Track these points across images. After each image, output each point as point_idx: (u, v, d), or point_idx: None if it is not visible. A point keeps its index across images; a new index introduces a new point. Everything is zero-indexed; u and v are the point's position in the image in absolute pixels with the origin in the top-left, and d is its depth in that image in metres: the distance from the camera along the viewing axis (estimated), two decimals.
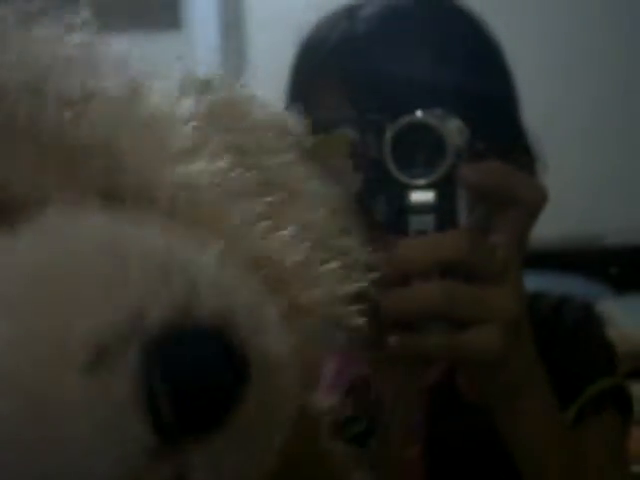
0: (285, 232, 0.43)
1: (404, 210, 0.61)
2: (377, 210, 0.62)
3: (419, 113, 0.62)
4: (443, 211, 0.61)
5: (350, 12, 0.91)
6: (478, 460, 0.94)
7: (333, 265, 0.44)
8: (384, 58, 0.85)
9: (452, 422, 0.93)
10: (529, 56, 4.12)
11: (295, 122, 0.58)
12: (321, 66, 0.89)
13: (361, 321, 0.47)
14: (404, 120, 0.60)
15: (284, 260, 0.42)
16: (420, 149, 0.60)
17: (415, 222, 0.61)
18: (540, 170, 0.95)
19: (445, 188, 0.60)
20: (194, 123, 0.49)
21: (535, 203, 0.65)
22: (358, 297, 0.53)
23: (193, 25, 4.26)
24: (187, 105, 0.51)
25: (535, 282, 1.07)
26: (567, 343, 0.96)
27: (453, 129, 0.63)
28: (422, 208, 0.60)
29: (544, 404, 0.70)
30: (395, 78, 0.82)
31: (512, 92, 0.94)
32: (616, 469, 0.94)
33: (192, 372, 0.32)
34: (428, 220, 0.60)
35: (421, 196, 0.60)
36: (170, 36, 4.44)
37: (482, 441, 0.92)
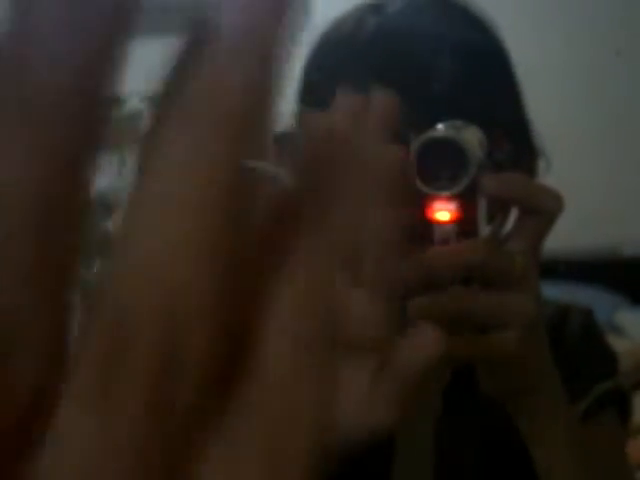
0: None
1: (428, 220, 0.62)
2: (401, 218, 0.64)
3: (441, 127, 0.64)
4: (465, 221, 0.62)
5: (376, 9, 0.90)
6: (491, 457, 0.95)
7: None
8: (417, 54, 0.86)
9: (462, 419, 0.94)
10: (548, 63, 4.13)
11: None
12: (354, 60, 0.88)
13: None
14: (427, 135, 0.62)
15: None
16: (443, 163, 0.61)
17: (438, 232, 0.62)
18: (543, 168, 0.96)
19: (467, 199, 0.62)
20: None
21: (552, 211, 0.67)
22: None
23: None
24: None
25: (553, 292, 1.08)
26: (572, 348, 0.98)
27: (474, 141, 0.65)
28: (445, 219, 0.62)
29: (557, 401, 0.72)
30: (427, 73, 0.84)
31: (517, 92, 0.95)
32: (621, 466, 0.96)
33: None
34: (451, 230, 0.62)
35: (444, 207, 0.62)
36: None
37: (496, 437, 0.94)
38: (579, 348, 1.00)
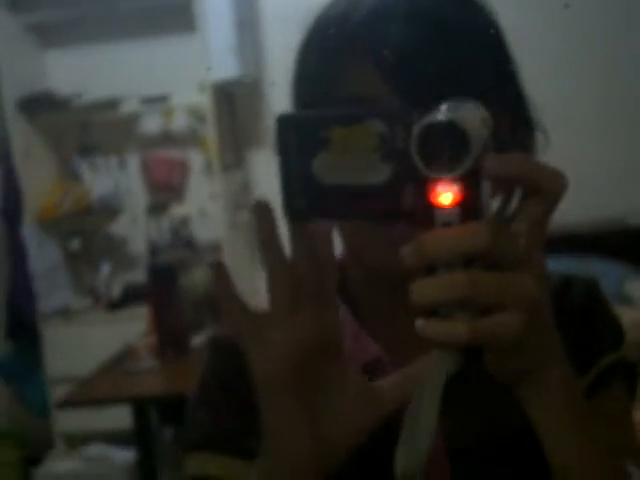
0: None
1: (429, 203, 0.62)
2: (405, 200, 0.64)
3: (444, 107, 0.64)
4: (467, 203, 0.62)
5: None
6: (499, 437, 0.96)
7: None
8: (413, 35, 0.86)
9: (468, 387, 0.95)
10: (553, 47, 4.13)
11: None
12: (350, 41, 0.88)
13: None
14: (430, 118, 0.61)
15: None
16: (445, 145, 0.61)
17: (440, 215, 0.62)
18: (541, 141, 0.96)
19: (470, 181, 0.62)
20: None
21: (556, 191, 0.67)
22: None
23: (208, 26, 4.28)
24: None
25: (561, 265, 1.08)
26: (576, 319, 0.98)
27: (478, 122, 0.64)
28: (447, 202, 0.62)
29: (566, 382, 0.72)
30: (422, 53, 0.84)
31: (510, 63, 0.95)
32: (629, 438, 0.96)
33: None
34: (453, 213, 0.62)
35: (446, 190, 0.62)
36: (186, 38, 4.48)
37: (503, 420, 0.94)
38: (583, 319, 1.00)
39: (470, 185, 0.62)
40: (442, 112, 0.63)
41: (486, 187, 0.64)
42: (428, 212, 0.63)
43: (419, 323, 0.63)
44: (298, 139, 0.67)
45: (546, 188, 0.66)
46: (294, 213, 0.68)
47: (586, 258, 3.69)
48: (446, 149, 0.61)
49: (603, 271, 3.50)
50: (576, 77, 4.32)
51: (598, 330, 1.01)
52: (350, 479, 0.97)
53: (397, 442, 0.72)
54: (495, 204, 0.69)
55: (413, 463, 0.72)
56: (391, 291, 0.75)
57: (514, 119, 0.93)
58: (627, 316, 1.05)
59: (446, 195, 0.62)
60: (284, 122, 0.67)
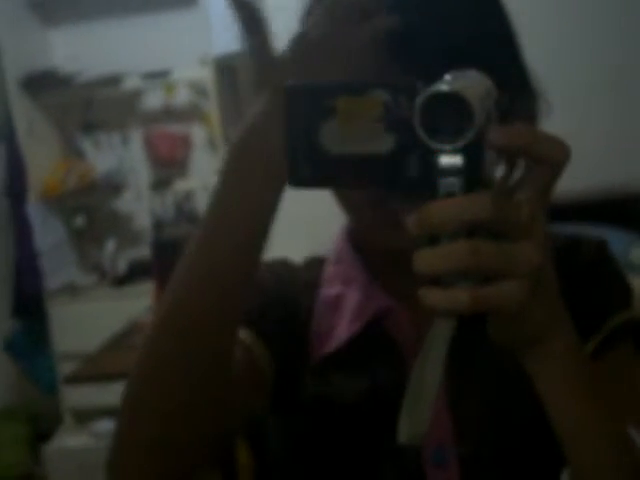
0: None
1: (433, 173, 0.63)
2: (408, 170, 0.64)
3: (448, 77, 0.64)
4: (470, 173, 0.62)
5: None
6: (502, 403, 0.97)
7: None
8: (414, 10, 0.86)
9: (473, 355, 0.96)
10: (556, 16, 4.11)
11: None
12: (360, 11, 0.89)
13: None
14: (433, 88, 0.61)
15: None
16: (448, 116, 0.61)
17: (444, 184, 0.62)
18: (544, 110, 0.96)
19: (472, 151, 0.62)
20: None
21: (559, 161, 0.67)
22: None
23: (209, 0, 4.26)
24: None
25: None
26: (583, 280, 0.99)
27: (481, 93, 0.65)
28: (450, 171, 0.62)
29: (570, 349, 0.72)
30: (426, 23, 0.85)
31: (511, 33, 0.95)
32: (636, 397, 0.96)
33: None
34: (456, 182, 0.62)
35: (449, 160, 0.62)
36: (187, 13, 4.46)
37: (502, 375, 0.95)
38: (592, 279, 1.01)
39: (473, 156, 0.62)
40: (446, 82, 0.63)
41: (490, 157, 0.64)
42: (431, 182, 0.63)
43: (422, 292, 0.64)
44: (304, 108, 0.67)
45: (549, 158, 0.67)
46: (299, 181, 0.69)
47: (591, 226, 3.68)
48: (449, 120, 0.61)
49: (609, 239, 3.48)
50: (579, 43, 4.30)
51: (607, 289, 1.02)
52: (354, 448, 0.99)
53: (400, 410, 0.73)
54: (499, 174, 0.69)
55: (415, 431, 0.72)
56: (404, 259, 0.76)
57: (517, 89, 0.93)
58: (634, 283, 1.05)
59: (449, 165, 0.62)
60: (290, 91, 0.68)
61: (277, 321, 1.00)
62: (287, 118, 0.68)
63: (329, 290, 1.05)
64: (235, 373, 0.86)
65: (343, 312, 1.02)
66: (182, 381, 0.82)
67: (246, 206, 0.81)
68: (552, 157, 0.67)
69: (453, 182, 0.63)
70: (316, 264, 1.11)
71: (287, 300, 1.05)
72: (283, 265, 1.12)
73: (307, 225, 3.42)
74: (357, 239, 1.06)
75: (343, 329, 1.01)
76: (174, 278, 0.84)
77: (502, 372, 0.94)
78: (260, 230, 0.81)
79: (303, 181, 0.69)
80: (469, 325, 0.66)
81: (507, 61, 0.94)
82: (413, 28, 0.85)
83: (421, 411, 0.72)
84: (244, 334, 0.96)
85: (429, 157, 0.63)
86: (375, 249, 1.01)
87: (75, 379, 3.17)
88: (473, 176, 0.63)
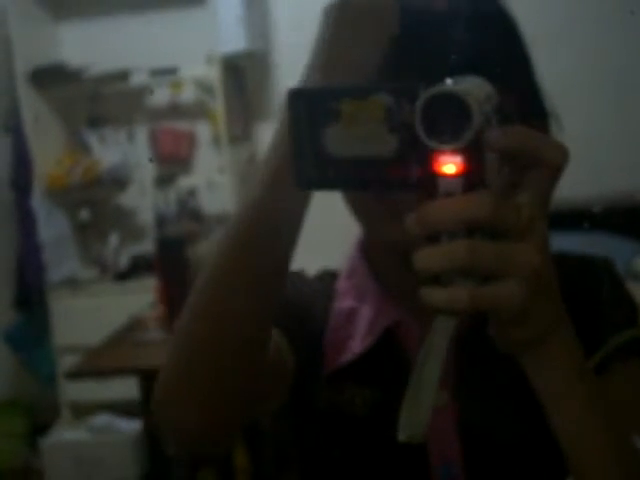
0: None
1: (433, 173, 0.63)
2: (411, 171, 0.65)
3: (449, 82, 0.65)
4: (470, 174, 0.63)
5: None
6: (506, 406, 0.97)
7: None
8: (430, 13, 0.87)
9: (480, 369, 0.97)
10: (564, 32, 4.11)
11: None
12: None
13: None
14: (433, 90, 0.62)
15: None
16: (448, 117, 0.62)
17: (443, 185, 0.63)
18: (555, 128, 0.97)
19: (472, 153, 0.62)
20: None
21: (558, 163, 0.68)
22: None
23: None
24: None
25: (569, 241, 1.09)
26: (590, 299, 0.99)
27: (481, 95, 0.65)
28: (450, 172, 0.63)
29: (570, 352, 0.72)
30: (439, 33, 0.85)
31: (524, 52, 0.96)
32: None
33: None
34: (456, 183, 0.63)
35: (449, 160, 0.63)
36: (195, 11, 4.47)
37: (509, 387, 0.95)
38: (597, 298, 1.01)
39: (473, 156, 0.63)
40: (446, 85, 0.64)
41: (491, 159, 0.65)
42: (431, 182, 0.64)
43: (422, 290, 0.64)
44: (309, 111, 0.68)
45: (548, 160, 0.67)
46: (304, 184, 0.70)
47: (595, 234, 3.69)
48: (448, 121, 0.62)
49: (612, 248, 3.50)
50: (585, 51, 4.30)
51: (613, 308, 1.02)
52: (365, 460, 1.00)
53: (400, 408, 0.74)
54: (499, 175, 0.70)
55: (415, 428, 0.73)
56: (406, 259, 0.77)
57: (526, 106, 0.93)
58: (637, 292, 1.05)
59: (449, 165, 0.63)
60: (295, 95, 0.69)
61: (295, 328, 1.01)
62: (291, 121, 0.69)
63: (342, 304, 1.06)
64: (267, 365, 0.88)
65: (356, 326, 1.03)
66: (216, 370, 0.82)
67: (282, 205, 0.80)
68: (551, 159, 0.68)
69: (452, 182, 0.64)
70: (329, 278, 1.12)
71: (302, 310, 1.06)
72: (298, 276, 1.13)
73: (320, 238, 3.42)
74: (369, 251, 1.06)
75: (356, 343, 1.02)
76: (207, 274, 0.83)
77: (510, 388, 0.95)
78: (299, 211, 0.81)
79: (309, 183, 0.70)
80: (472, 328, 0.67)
81: (520, 80, 0.94)
82: (424, 40, 0.87)
83: (421, 409, 0.73)
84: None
85: (429, 157, 0.64)
86: (384, 254, 1.02)
87: (76, 374, 3.18)
88: (472, 176, 0.63)
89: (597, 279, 1.04)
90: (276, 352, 0.94)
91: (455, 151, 0.62)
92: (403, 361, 0.99)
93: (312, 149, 0.68)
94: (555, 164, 0.68)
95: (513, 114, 0.84)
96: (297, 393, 1.01)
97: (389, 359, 1.01)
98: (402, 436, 0.74)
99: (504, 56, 0.93)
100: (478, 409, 0.98)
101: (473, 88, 0.66)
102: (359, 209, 0.96)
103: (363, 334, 1.01)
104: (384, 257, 1.03)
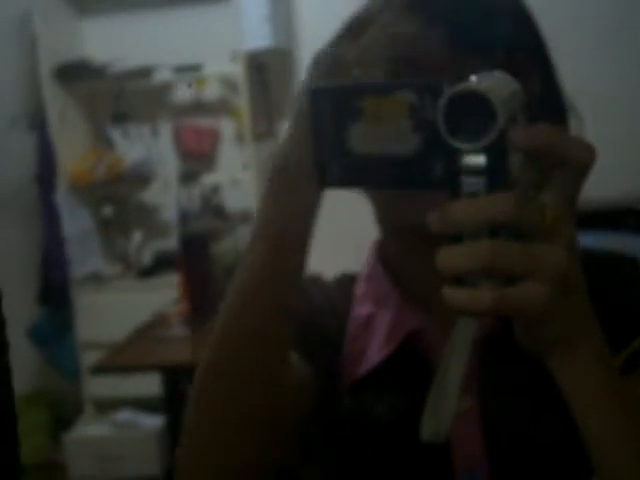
0: None
1: (456, 172, 0.63)
2: (434, 169, 0.64)
3: (474, 79, 0.64)
4: (494, 173, 0.62)
5: None
6: (531, 409, 0.96)
7: None
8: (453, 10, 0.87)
9: (504, 372, 0.96)
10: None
11: None
12: (394, 10, 0.89)
13: None
14: (456, 88, 0.62)
15: None
16: (471, 115, 0.61)
17: (467, 184, 0.62)
18: (576, 126, 0.96)
19: (496, 152, 0.62)
20: None
21: (584, 162, 0.66)
22: None
23: None
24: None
25: (594, 240, 1.08)
26: (615, 297, 0.98)
27: (505, 94, 0.65)
28: (473, 171, 0.62)
29: (596, 353, 0.71)
30: (461, 29, 0.85)
31: (543, 46, 0.95)
32: None
33: None
34: (479, 182, 0.62)
35: (472, 160, 0.62)
36: (219, 7, 4.47)
37: (534, 390, 0.95)
38: (623, 297, 1.00)
39: (497, 156, 0.62)
40: (470, 83, 0.63)
41: (516, 159, 0.64)
42: (455, 181, 0.63)
43: (445, 291, 0.64)
44: (332, 109, 0.67)
45: (574, 159, 0.66)
46: (327, 181, 0.69)
47: (619, 233, 3.66)
48: (472, 119, 0.62)
49: (631, 247, 3.45)
50: (603, 53, 4.28)
51: (636, 309, 1.01)
52: (388, 468, 0.99)
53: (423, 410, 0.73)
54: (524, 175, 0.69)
55: (438, 429, 0.73)
56: (425, 264, 0.76)
57: (547, 104, 0.93)
58: None
59: (472, 165, 0.62)
60: (318, 93, 0.68)
61: (312, 341, 1.00)
62: (314, 119, 0.68)
63: (360, 309, 1.04)
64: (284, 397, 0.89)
65: (375, 333, 1.01)
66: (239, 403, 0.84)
67: (293, 209, 0.83)
68: (577, 159, 0.67)
69: (476, 182, 0.63)
70: (347, 282, 1.10)
71: (319, 319, 1.05)
72: (315, 283, 1.11)
73: (341, 241, 3.40)
74: (388, 252, 1.05)
75: (375, 352, 1.00)
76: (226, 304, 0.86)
77: (535, 391, 0.94)
78: (308, 229, 0.84)
79: (332, 181, 0.69)
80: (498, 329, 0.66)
81: (540, 74, 0.94)
82: (448, 35, 0.86)
83: (444, 409, 0.72)
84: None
85: (453, 156, 0.63)
86: (404, 248, 1.00)
87: (99, 370, 3.19)
88: (496, 176, 0.63)
89: (624, 277, 1.02)
90: (293, 381, 0.94)
91: (479, 150, 0.62)
92: (425, 366, 0.97)
93: (334, 147, 0.68)
94: (582, 164, 0.67)
95: (533, 106, 0.83)
96: (319, 406, 0.99)
97: (410, 365, 0.99)
98: (425, 436, 0.73)
99: (524, 46, 0.92)
100: (503, 413, 0.97)
101: (498, 85, 0.65)
102: (381, 193, 0.94)
103: (381, 343, 1.00)
104: (404, 252, 1.01)
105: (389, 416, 0.98)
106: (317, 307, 1.06)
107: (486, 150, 0.62)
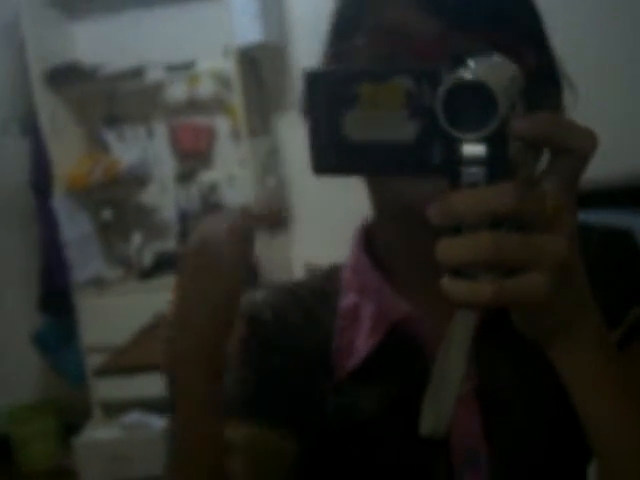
0: None
1: (456, 162, 0.61)
2: (432, 156, 0.63)
3: (472, 64, 0.63)
4: (494, 163, 0.61)
5: None
6: (529, 394, 0.96)
7: None
8: None
9: (501, 354, 0.95)
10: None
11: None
12: None
13: None
14: (456, 77, 0.60)
15: None
16: (471, 105, 0.60)
17: (467, 174, 0.61)
18: (569, 99, 0.95)
19: (496, 141, 0.60)
20: None
21: (585, 150, 0.65)
22: None
23: None
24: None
25: (594, 220, 1.07)
26: (609, 271, 0.97)
27: (506, 81, 0.63)
28: (473, 161, 0.61)
29: (596, 340, 0.70)
30: (457, 7, 0.84)
31: (539, 21, 0.94)
32: None
33: None
34: (479, 172, 0.61)
35: (472, 149, 0.61)
36: (209, 4, 4.46)
37: (532, 376, 0.95)
38: (618, 271, 1.00)
39: (497, 145, 0.61)
40: (470, 70, 0.62)
41: (516, 147, 0.63)
42: (454, 171, 0.62)
43: (444, 283, 0.62)
44: (327, 95, 0.66)
45: (575, 147, 0.65)
46: (323, 169, 0.68)
47: (620, 212, 3.66)
48: (472, 109, 0.60)
49: (633, 225, 3.46)
50: (604, 30, 4.27)
51: (632, 281, 1.00)
52: (384, 454, 0.98)
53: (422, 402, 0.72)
54: (525, 164, 0.68)
55: (438, 423, 0.72)
56: (421, 249, 0.74)
57: (543, 76, 0.92)
58: None
59: (472, 155, 0.61)
60: (312, 78, 0.67)
61: (284, 369, 1.02)
62: (309, 104, 0.67)
63: (346, 300, 1.03)
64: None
65: (362, 323, 1.00)
66: None
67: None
68: (578, 146, 0.65)
69: (476, 172, 0.61)
70: (336, 272, 1.08)
71: (299, 330, 1.04)
72: (288, 294, 1.09)
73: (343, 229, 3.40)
74: (378, 238, 1.04)
75: (362, 343, 0.99)
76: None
77: (535, 378, 0.93)
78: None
79: (326, 168, 0.68)
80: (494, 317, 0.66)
81: (536, 48, 0.92)
82: (442, 13, 0.85)
83: (444, 404, 0.71)
84: (254, 434, 0.98)
85: (452, 146, 0.62)
86: (396, 231, 0.99)
87: (103, 372, 3.19)
88: (497, 166, 0.61)
89: (618, 251, 1.02)
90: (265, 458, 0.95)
91: (480, 140, 0.60)
92: (416, 354, 0.97)
93: (329, 133, 0.66)
94: (584, 152, 0.65)
95: (536, 95, 0.82)
96: (304, 407, 0.99)
97: (402, 354, 0.99)
98: (424, 430, 0.72)
99: (520, 22, 0.91)
100: (500, 395, 0.96)
101: (497, 72, 0.64)
102: (378, 177, 0.93)
103: (367, 333, 0.99)
104: (401, 236, 0.99)
105: (380, 407, 0.98)
106: (292, 324, 1.05)
107: (487, 140, 0.61)
